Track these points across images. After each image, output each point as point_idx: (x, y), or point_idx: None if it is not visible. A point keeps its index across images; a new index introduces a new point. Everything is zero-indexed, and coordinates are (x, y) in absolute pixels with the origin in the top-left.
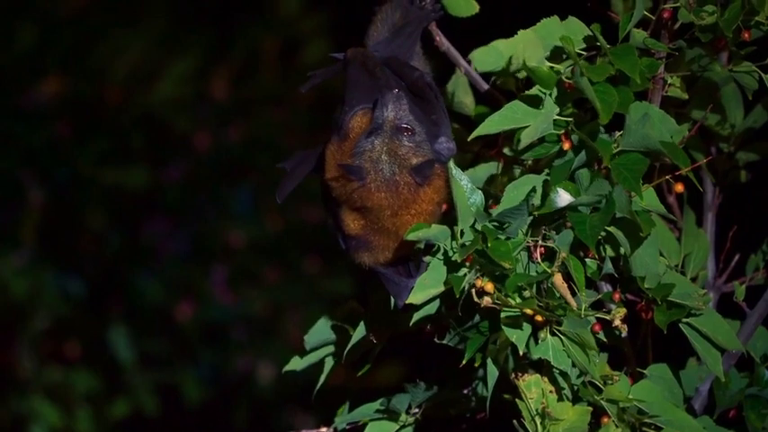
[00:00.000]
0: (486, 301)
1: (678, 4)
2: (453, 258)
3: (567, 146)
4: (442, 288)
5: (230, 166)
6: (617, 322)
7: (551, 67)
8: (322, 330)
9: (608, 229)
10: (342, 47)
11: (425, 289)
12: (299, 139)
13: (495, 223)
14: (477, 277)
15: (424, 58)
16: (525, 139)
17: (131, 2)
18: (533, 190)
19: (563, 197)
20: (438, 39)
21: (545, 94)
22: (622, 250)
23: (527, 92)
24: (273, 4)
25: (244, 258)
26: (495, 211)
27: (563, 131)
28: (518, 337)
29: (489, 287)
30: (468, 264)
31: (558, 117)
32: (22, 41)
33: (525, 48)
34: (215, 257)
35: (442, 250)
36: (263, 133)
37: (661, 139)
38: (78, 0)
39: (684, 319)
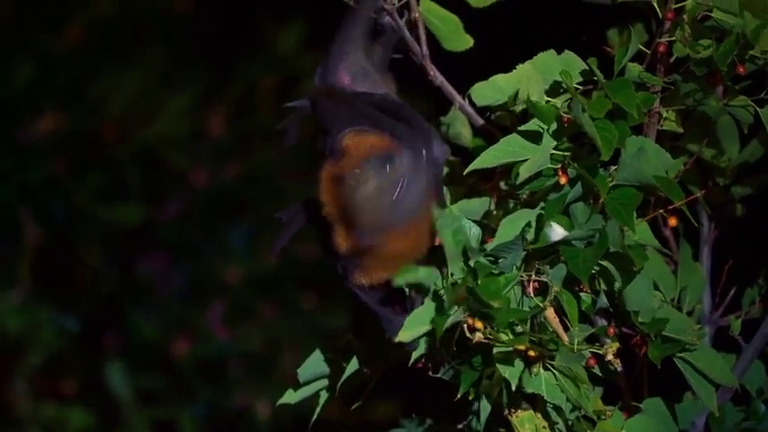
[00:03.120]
0: (478, 336)
1: (674, 38)
2: (445, 299)
3: (563, 180)
4: (430, 327)
5: (227, 202)
6: (610, 357)
7: (548, 101)
8: (316, 363)
9: (602, 263)
10: None
11: (415, 326)
12: (296, 177)
13: (491, 258)
14: (467, 315)
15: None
16: (524, 172)
17: (128, 38)
18: (528, 224)
19: (557, 231)
20: (432, 73)
21: (543, 128)
22: (617, 285)
23: (525, 126)
24: (271, 41)
25: (240, 294)
26: (489, 246)
27: (560, 166)
28: (510, 372)
29: (479, 324)
30: (457, 303)
31: (554, 151)
32: (19, 77)
33: (526, 82)
34: (211, 294)
35: (431, 290)
36: (260, 170)
37: (656, 173)
38: (75, 36)
39: (679, 354)
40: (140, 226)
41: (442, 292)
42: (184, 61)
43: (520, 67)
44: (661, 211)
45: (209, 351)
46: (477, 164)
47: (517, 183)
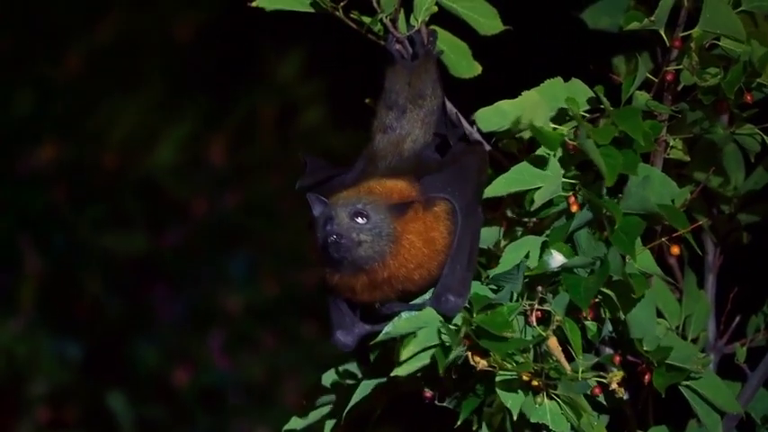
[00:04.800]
0: (482, 364)
1: (681, 66)
2: (447, 344)
3: (574, 208)
4: (427, 361)
5: (227, 231)
6: (614, 385)
7: (554, 128)
8: (321, 390)
9: (604, 290)
10: (339, 112)
11: (414, 362)
12: (295, 205)
13: (493, 287)
14: (467, 350)
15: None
16: (539, 199)
17: (128, 68)
18: (528, 253)
19: (556, 259)
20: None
21: (550, 155)
22: (620, 312)
23: (534, 153)
24: (271, 69)
25: (241, 323)
26: (492, 272)
27: (571, 193)
28: (513, 401)
29: (478, 358)
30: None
31: (565, 179)
32: (19, 107)
33: (530, 108)
34: (212, 323)
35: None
36: (260, 199)
37: (662, 201)
38: (75, 66)
39: (684, 382)
40: (141, 255)
41: (445, 338)
42: (184, 90)
43: (525, 93)
44: (665, 239)
45: (210, 379)
46: (489, 192)
47: (531, 209)
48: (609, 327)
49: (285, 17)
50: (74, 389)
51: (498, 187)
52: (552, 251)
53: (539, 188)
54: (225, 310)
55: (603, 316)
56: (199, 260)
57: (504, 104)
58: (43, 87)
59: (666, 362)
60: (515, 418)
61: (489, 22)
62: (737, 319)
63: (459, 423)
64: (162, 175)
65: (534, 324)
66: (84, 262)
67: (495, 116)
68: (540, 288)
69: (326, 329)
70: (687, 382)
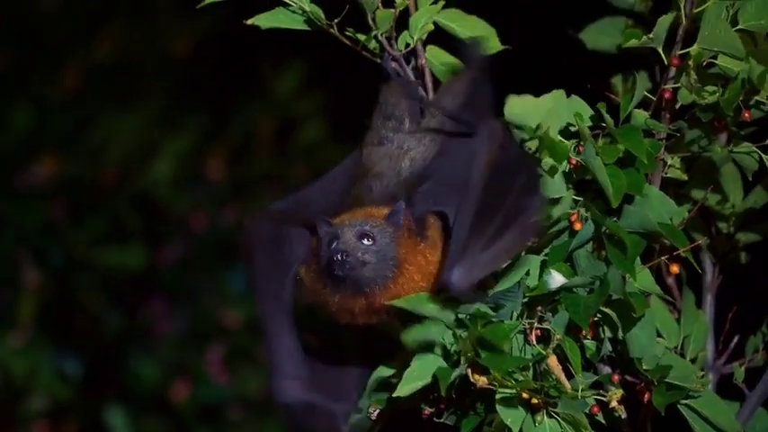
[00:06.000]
0: (482, 381)
1: (679, 85)
2: (452, 351)
3: (578, 226)
4: (429, 380)
5: (226, 246)
6: (614, 404)
7: (561, 141)
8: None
9: (604, 310)
10: (338, 127)
11: (413, 381)
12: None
13: (492, 305)
14: (468, 367)
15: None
16: (557, 213)
17: (126, 83)
18: (528, 272)
19: (556, 279)
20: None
21: (558, 167)
22: (620, 332)
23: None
24: (269, 84)
25: (239, 338)
26: (492, 290)
27: (575, 212)
28: (513, 419)
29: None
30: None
31: (575, 197)
32: (18, 122)
33: (550, 114)
34: (211, 337)
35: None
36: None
37: (660, 220)
38: (73, 82)
39: (683, 401)
40: (140, 270)
41: (449, 347)
42: (182, 105)
43: (551, 93)
44: (664, 258)
45: (209, 394)
46: None
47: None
48: (608, 346)
49: (283, 32)
50: (73, 404)
51: None
52: (552, 271)
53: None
54: (224, 324)
55: (602, 335)
56: (198, 275)
57: (530, 99)
58: (42, 103)
59: (666, 380)
60: None
61: (487, 42)
62: (736, 338)
63: None
64: (161, 189)
65: (534, 342)
66: (83, 277)
67: (521, 108)
68: (539, 308)
69: (326, 344)
70: (686, 401)
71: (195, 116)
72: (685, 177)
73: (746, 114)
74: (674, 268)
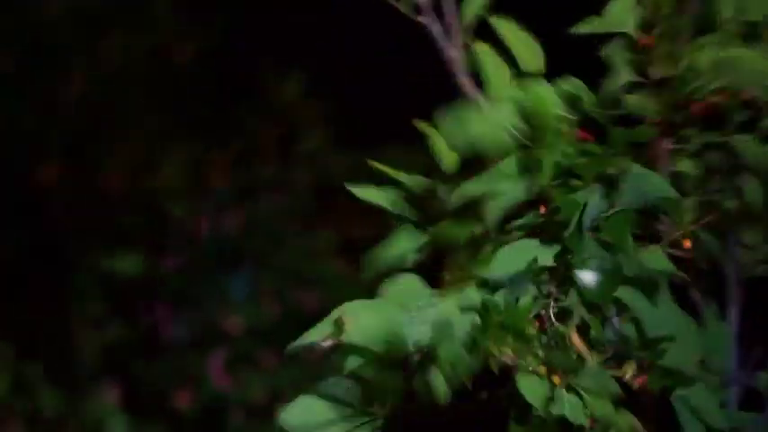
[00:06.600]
0: (507, 355)
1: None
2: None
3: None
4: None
5: (228, 252)
6: (628, 376)
7: None
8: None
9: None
10: (340, 135)
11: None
12: (297, 227)
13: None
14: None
15: None
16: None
17: (129, 90)
18: (535, 260)
19: (586, 277)
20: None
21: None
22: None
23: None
24: (272, 91)
25: (242, 343)
26: (487, 274)
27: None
28: (534, 396)
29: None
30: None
31: None
32: (21, 129)
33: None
34: (213, 343)
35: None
36: (261, 220)
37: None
38: (77, 88)
39: (679, 392)
40: (141, 276)
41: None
42: (185, 112)
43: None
44: (678, 234)
45: (211, 400)
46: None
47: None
48: (617, 325)
49: (286, 39)
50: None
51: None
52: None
53: None
54: (226, 330)
55: (612, 315)
56: (200, 281)
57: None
58: (45, 110)
59: (662, 365)
60: (541, 412)
61: (532, 61)
62: (760, 350)
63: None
64: (163, 196)
65: (553, 320)
66: (85, 283)
67: None
68: (553, 289)
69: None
70: (682, 392)
71: (198, 123)
72: (696, 171)
73: None
74: (687, 243)
